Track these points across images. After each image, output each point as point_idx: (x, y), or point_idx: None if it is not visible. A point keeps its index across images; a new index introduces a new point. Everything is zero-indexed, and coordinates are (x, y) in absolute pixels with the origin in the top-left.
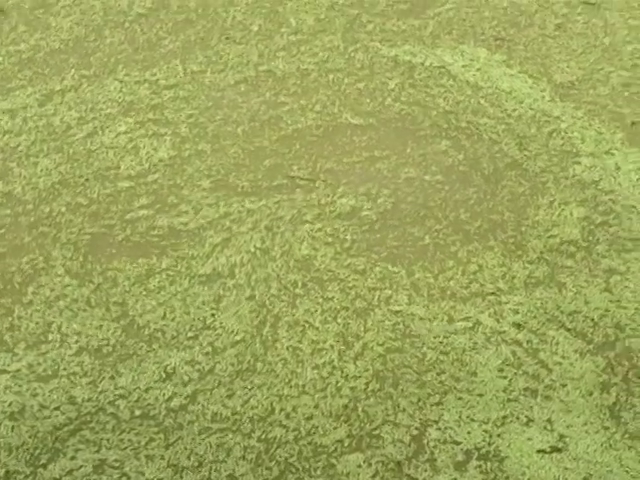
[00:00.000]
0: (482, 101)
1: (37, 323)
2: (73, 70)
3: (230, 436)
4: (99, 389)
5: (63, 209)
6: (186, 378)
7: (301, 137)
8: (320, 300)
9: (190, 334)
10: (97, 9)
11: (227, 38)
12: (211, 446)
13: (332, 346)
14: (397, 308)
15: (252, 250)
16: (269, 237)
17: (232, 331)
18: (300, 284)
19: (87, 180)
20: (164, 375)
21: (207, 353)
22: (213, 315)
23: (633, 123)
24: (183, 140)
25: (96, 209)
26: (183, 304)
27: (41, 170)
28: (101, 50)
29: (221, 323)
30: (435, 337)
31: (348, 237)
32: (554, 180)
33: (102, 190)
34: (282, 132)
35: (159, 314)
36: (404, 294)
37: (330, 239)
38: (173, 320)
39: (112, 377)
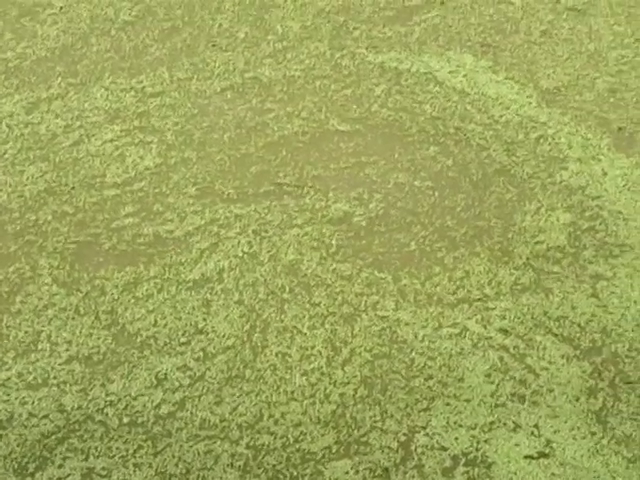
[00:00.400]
0: (469, 107)
1: (26, 332)
2: (60, 78)
3: (218, 443)
4: (89, 397)
5: (49, 217)
6: (177, 384)
7: (287, 144)
8: (307, 306)
9: (183, 339)
10: (84, 17)
11: (213, 45)
12: (199, 453)
13: (320, 352)
14: (384, 314)
15: (240, 255)
16: (257, 242)
17: (224, 335)
18: (287, 289)
19: (73, 188)
20: (155, 382)
21: (198, 359)
22: (205, 319)
23: (619, 128)
24: (169, 148)
25: (82, 217)
26: (174, 310)
27: (27, 178)
28: (88, 58)
29: (213, 327)
30: (422, 343)
31: (334, 242)
32: (541, 186)
33: (88, 198)
34: (268, 139)
35: (150, 321)
36: (391, 300)
37: (316, 244)
38: (165, 327)
39: (103, 384)
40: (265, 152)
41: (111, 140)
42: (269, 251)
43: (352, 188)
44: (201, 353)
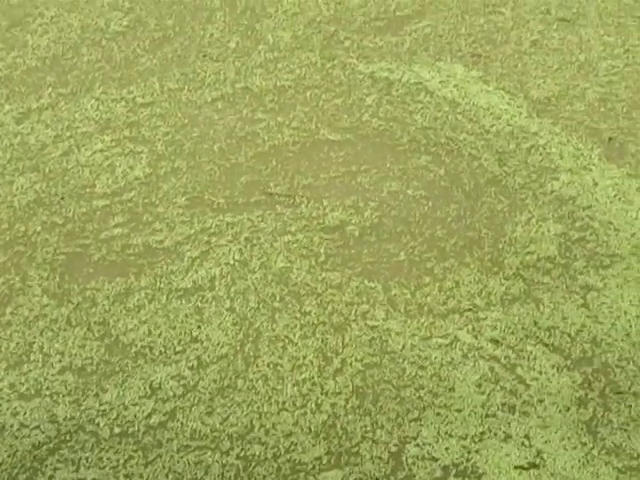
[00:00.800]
0: (460, 117)
1: (17, 343)
2: (50, 88)
3: (209, 454)
4: (82, 407)
5: (39, 228)
6: (171, 394)
7: (278, 153)
8: (298, 315)
9: (179, 348)
10: (74, 27)
11: (204, 55)
12: (189, 464)
13: (312, 362)
14: (374, 323)
15: (231, 262)
16: (248, 249)
17: (218, 343)
18: (278, 297)
19: (62, 199)
20: (149, 391)
21: (192, 367)
22: (199, 327)
23: (610, 139)
24: (159, 158)
25: (71, 228)
26: (167, 320)
27: (17, 189)
28: (78, 68)
29: (207, 335)
30: (413, 352)
31: (322, 251)
32: (533, 196)
33: (77, 209)
34: (259, 149)
35: (144, 331)
36: (380, 309)
37: (305, 251)
38: (160, 336)
39: (96, 394)
40: (255, 162)
41: (101, 150)
42: (260, 258)
43: (345, 197)
44: (196, 362)
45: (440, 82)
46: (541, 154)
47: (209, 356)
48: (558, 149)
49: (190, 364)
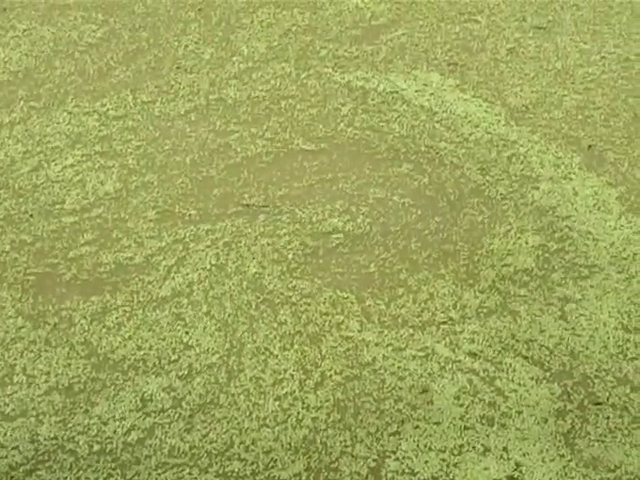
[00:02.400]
0: (437, 125)
1: None
2: (22, 102)
3: (187, 471)
4: (69, 425)
5: (7, 247)
6: (160, 406)
7: (250, 164)
8: (275, 325)
9: (174, 357)
10: (47, 40)
11: (178, 67)
12: None
13: (292, 375)
14: (349, 334)
15: (208, 267)
16: (224, 254)
17: (208, 350)
18: (254, 305)
19: (32, 216)
20: (140, 404)
21: (182, 377)
22: (187, 333)
23: (589, 147)
24: (130, 172)
25: (40, 247)
26: (153, 333)
27: None
28: (51, 81)
29: (197, 341)
30: (390, 364)
31: (290, 257)
32: (514, 207)
33: (46, 226)
34: (231, 160)
35: (132, 347)
36: (355, 320)
37: (277, 255)
38: (151, 348)
39: (86, 411)
40: (227, 174)
41: (72, 165)
42: (235, 262)
43: (323, 204)
44: (187, 370)
45: (416, 91)
46: (522, 162)
47: (200, 364)
48: (538, 158)
49: (181, 373)
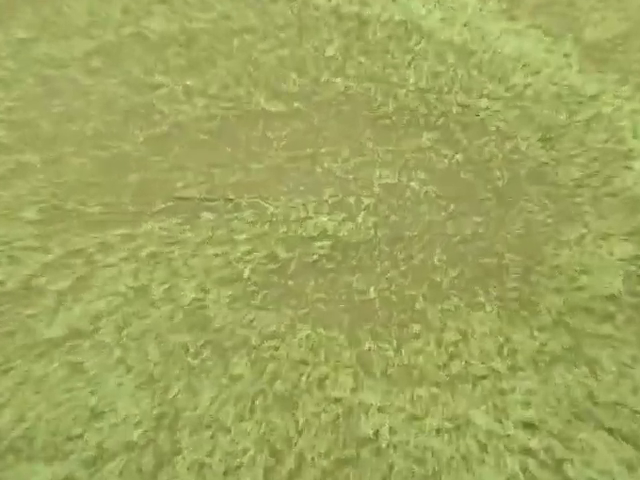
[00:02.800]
0: (476, 73)
1: None
2: None
3: None
4: None
5: None
6: None
7: (185, 135)
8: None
9: (77, 430)
10: None
11: None
12: None
13: (254, 460)
14: (338, 394)
15: (122, 291)
16: (148, 272)
17: (125, 419)
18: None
19: None
20: None
21: (87, 463)
22: (92, 393)
23: None
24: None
25: None
26: (39, 396)
27: None
28: None
29: (109, 406)
30: (403, 441)
31: (248, 275)
32: (592, 200)
33: None
34: (156, 129)
35: (8, 420)
36: (347, 373)
37: (228, 273)
38: (39, 421)
39: None
40: (150, 150)
41: None
42: (163, 283)
43: (297, 196)
44: (94, 451)
45: (441, 19)
46: (606, 130)
47: (114, 443)
48: (631, 121)
49: (85, 456)
